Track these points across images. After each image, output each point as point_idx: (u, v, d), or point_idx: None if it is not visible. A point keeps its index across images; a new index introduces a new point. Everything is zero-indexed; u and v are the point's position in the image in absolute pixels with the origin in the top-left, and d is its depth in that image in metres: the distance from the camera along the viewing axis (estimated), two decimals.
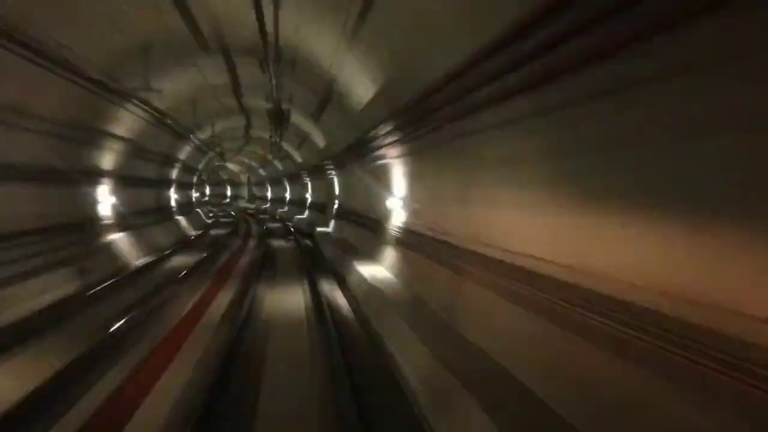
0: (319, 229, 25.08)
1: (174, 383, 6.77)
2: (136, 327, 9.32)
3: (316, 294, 11.84)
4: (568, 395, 4.95)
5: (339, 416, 6.01)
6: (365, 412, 6.06)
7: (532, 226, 6.37)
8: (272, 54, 10.10)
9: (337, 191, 23.90)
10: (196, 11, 10.14)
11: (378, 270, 12.72)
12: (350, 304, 11.45)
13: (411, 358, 7.27)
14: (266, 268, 16.07)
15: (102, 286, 12.21)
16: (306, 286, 13.21)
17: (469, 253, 8.13)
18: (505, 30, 5.13)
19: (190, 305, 11.07)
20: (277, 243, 23.80)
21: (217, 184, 66.10)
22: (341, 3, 8.64)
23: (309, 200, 32.90)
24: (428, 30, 7.22)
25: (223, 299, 11.67)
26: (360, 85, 11.62)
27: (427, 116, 8.50)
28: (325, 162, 22.14)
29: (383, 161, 13.36)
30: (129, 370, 7.24)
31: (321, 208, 28.28)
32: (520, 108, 5.96)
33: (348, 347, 8.30)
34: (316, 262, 17.29)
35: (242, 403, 6.40)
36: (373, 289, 10.87)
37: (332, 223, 24.20)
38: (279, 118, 14.20)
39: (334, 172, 23.12)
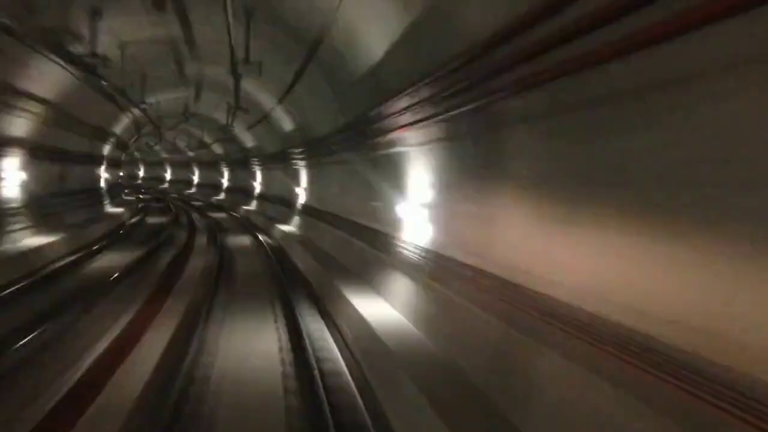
0: (244, 207, 34.01)
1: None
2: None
3: (256, 238, 21.32)
4: (342, 254, 14.76)
5: (273, 271, 15.56)
6: (284, 271, 15.61)
7: (345, 201, 16.11)
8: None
9: (260, 179, 32.85)
10: None
11: (289, 227, 22.28)
12: (273, 241, 20.99)
13: (299, 256, 16.94)
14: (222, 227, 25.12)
15: None
16: (250, 235, 22.64)
17: (329, 214, 17.84)
18: (339, 126, 14.83)
19: None
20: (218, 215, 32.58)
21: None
22: (280, 80, 18.07)
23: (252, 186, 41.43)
24: (315, 109, 16.86)
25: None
26: (285, 121, 21.09)
27: (319, 149, 18.09)
28: (252, 159, 31.14)
29: (296, 166, 22.84)
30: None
31: (245, 192, 36.99)
32: (347, 156, 15.71)
33: (272, 251, 17.90)
34: (252, 225, 26.54)
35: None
36: (285, 234, 20.46)
37: (254, 202, 33.21)
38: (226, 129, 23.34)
39: (258, 167, 32.11)
